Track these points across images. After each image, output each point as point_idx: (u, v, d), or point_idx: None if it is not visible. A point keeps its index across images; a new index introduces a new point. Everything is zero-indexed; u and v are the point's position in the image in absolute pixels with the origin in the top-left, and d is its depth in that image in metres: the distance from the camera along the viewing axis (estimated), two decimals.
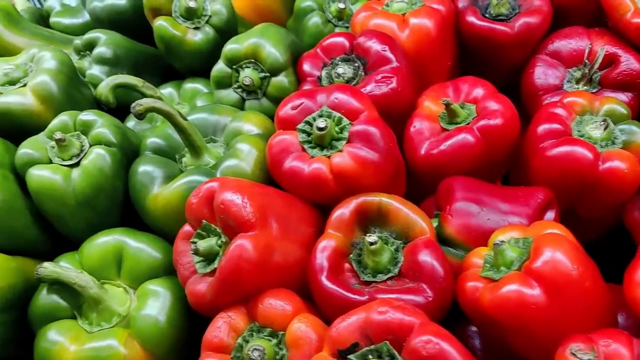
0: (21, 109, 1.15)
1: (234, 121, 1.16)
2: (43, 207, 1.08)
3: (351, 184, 0.99)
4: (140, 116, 1.07)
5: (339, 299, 0.91)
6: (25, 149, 1.09)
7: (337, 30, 1.45)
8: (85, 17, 1.66)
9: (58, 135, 1.08)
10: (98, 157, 1.08)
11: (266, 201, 0.95)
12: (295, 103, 1.05)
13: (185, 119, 1.10)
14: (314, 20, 1.43)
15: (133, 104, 1.06)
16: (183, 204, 1.04)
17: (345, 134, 1.02)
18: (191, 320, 1.03)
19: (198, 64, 1.39)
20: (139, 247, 1.05)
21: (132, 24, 1.48)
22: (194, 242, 0.98)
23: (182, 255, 1.01)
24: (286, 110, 1.06)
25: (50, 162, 1.09)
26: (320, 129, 1.00)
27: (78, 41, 1.45)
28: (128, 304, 1.02)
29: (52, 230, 1.13)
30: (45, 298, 1.02)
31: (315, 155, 1.01)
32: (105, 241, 1.05)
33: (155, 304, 1.00)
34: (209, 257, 0.96)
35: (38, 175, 1.06)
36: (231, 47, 1.24)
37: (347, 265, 0.97)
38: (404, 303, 0.82)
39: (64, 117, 1.13)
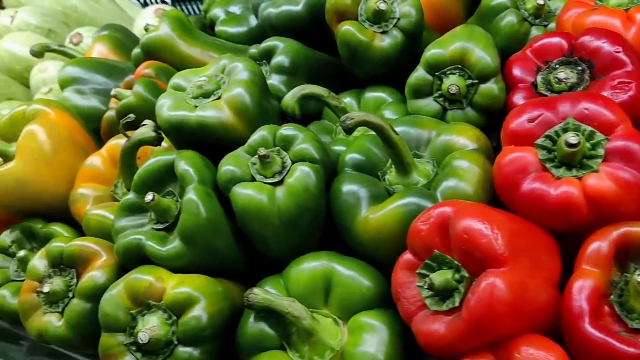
0: (218, 123, 1.10)
1: (443, 134, 1.04)
2: (247, 227, 1.02)
3: (609, 211, 0.84)
4: (350, 131, 0.98)
5: (608, 350, 0.77)
6: (228, 166, 1.03)
7: (534, 30, 1.30)
8: (251, 24, 1.61)
9: (262, 152, 1.01)
10: (303, 175, 1.00)
11: (513, 230, 0.83)
12: (533, 115, 0.91)
13: (397, 134, 0.99)
14: (509, 19, 1.28)
15: (343, 118, 0.97)
16: (399, 229, 0.94)
17: (600, 152, 0.86)
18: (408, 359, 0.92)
19: (383, 71, 1.29)
20: (350, 275, 0.96)
21: (307, 31, 1.40)
22: (424, 275, 0.87)
23: (405, 288, 0.90)
24: (520, 123, 0.92)
25: (253, 179, 1.03)
26: (571, 146, 0.85)
27: (254, 50, 1.40)
28: (340, 338, 0.93)
29: (251, 251, 1.06)
30: (253, 326, 0.95)
31: (561, 176, 0.87)
32: (313, 267, 0.97)
33: (373, 340, 0.90)
34: (444, 293, 0.85)
35: (244, 194, 1.00)
36: (434, 52, 1.13)
37: (607, 308, 0.82)
38: None
39: (263, 133, 1.07)
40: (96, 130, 1.44)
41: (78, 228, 1.28)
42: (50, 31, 2.28)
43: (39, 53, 1.74)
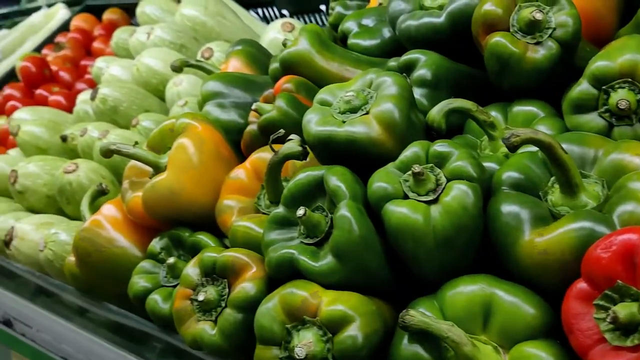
0: (366, 138, 1.09)
1: (613, 153, 0.96)
2: (399, 246, 0.99)
3: None
4: (514, 148, 0.93)
5: None
6: (380, 183, 1.02)
7: None
8: (384, 37, 1.60)
9: (417, 168, 0.98)
10: (461, 194, 0.96)
11: None
12: None
13: (565, 152, 0.93)
14: None
15: (507, 135, 0.93)
16: (570, 255, 0.88)
17: None
18: None
19: (534, 84, 1.22)
20: (512, 300, 0.91)
21: (448, 43, 1.37)
22: (603, 307, 0.81)
23: (579, 319, 0.83)
24: None
25: (405, 196, 1.00)
26: None
27: (393, 63, 1.38)
28: None
29: (401, 270, 1.04)
30: (407, 348, 0.92)
31: None
32: (471, 290, 0.93)
33: None
34: (627, 327, 0.77)
35: (397, 212, 0.97)
36: (601, 64, 1.05)
37: None
38: None
39: (415, 149, 1.04)
40: (234, 142, 1.49)
41: (219, 236, 1.32)
42: (182, 46, 2.41)
43: (179, 68, 1.84)
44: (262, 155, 1.31)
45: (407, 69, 1.35)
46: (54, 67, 2.89)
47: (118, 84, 2.18)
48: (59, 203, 1.80)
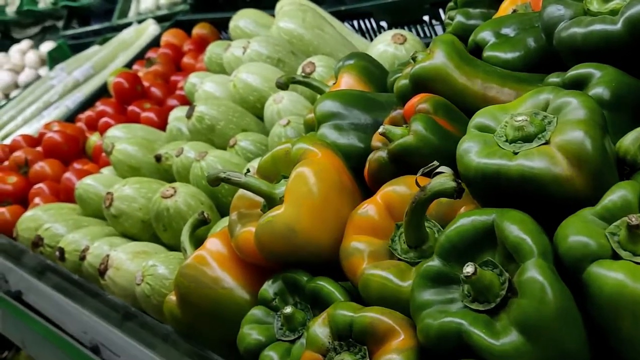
0: (548, 175, 0.86)
1: None
2: (610, 323, 0.75)
3: None
4: None
5: None
6: (579, 236, 0.78)
7: None
8: (528, 48, 1.36)
9: (634, 220, 0.74)
10: None
11: None
12: None
13: None
14: None
15: None
16: None
17: None
18: None
19: None
20: None
21: (626, 55, 1.11)
22: None
23: None
24: None
25: (615, 256, 0.76)
26: None
27: (556, 79, 1.14)
28: None
29: (603, 353, 0.80)
30: None
31: None
32: None
33: None
34: None
35: (612, 278, 0.73)
36: None
37: None
38: None
39: (623, 192, 0.80)
40: (353, 169, 1.29)
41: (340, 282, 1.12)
42: (280, 60, 2.26)
43: (284, 84, 1.67)
44: (397, 189, 1.10)
45: (576, 86, 1.10)
46: (145, 83, 2.83)
47: (214, 101, 2.05)
48: (155, 229, 1.67)
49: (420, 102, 1.21)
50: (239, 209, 1.26)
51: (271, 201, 1.20)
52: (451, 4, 1.87)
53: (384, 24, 2.75)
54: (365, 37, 2.77)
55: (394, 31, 2.00)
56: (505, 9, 1.65)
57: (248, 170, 1.22)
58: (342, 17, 2.77)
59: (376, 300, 1.01)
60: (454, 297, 0.86)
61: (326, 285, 1.10)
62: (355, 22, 2.85)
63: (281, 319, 1.12)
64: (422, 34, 2.61)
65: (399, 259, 1.05)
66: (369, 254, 1.07)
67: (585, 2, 1.20)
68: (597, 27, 1.14)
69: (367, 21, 2.80)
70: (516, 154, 0.90)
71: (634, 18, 1.09)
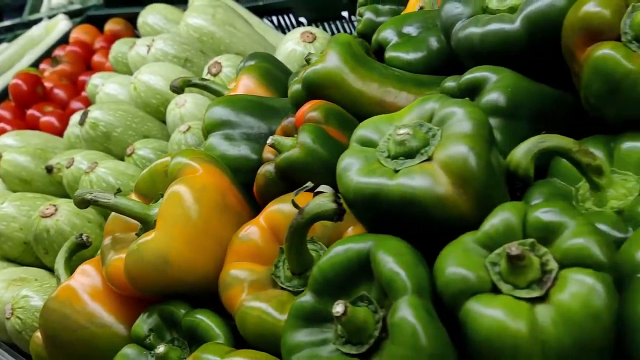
0: (430, 195, 0.76)
1: None
2: None
3: None
4: None
5: None
6: (457, 268, 0.69)
7: None
8: (430, 48, 1.27)
9: (515, 250, 0.65)
10: (585, 291, 0.63)
11: None
12: None
13: None
14: None
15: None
16: None
17: None
18: None
19: None
20: None
21: (525, 57, 1.04)
22: None
23: None
24: None
25: (494, 288, 0.68)
26: None
27: (452, 83, 1.05)
28: None
29: None
30: None
31: None
32: None
33: None
34: None
35: (489, 317, 0.64)
36: None
37: None
38: None
39: (506, 215, 0.71)
40: (247, 184, 1.17)
41: (228, 316, 1.00)
42: (187, 60, 2.11)
43: (180, 88, 1.53)
44: (282, 208, 0.99)
45: (472, 91, 1.02)
46: (48, 84, 2.60)
47: (111, 105, 1.87)
48: (36, 252, 1.50)
49: (310, 110, 1.10)
50: (113, 232, 1.12)
51: (146, 225, 1.06)
52: (362, 0, 1.78)
53: (304, 20, 2.64)
54: (286, 34, 2.65)
55: (303, 29, 1.89)
56: (413, 6, 1.57)
57: (119, 190, 1.08)
58: (260, 13, 2.64)
59: (254, 337, 0.90)
60: (328, 337, 0.75)
61: (204, 320, 0.98)
62: (275, 19, 2.73)
63: None
64: (341, 31, 2.51)
65: (283, 288, 0.94)
66: (250, 283, 0.96)
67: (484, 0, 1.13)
68: (494, 26, 1.06)
69: (286, 17, 2.68)
70: (397, 171, 0.80)
71: (533, 16, 1.02)
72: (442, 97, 0.85)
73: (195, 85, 1.54)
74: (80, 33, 3.11)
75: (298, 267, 0.92)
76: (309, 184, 0.85)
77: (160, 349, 0.97)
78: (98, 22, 3.17)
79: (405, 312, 0.67)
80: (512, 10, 1.08)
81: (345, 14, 2.47)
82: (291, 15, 2.65)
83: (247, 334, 0.90)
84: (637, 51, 0.87)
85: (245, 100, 1.30)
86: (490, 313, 0.65)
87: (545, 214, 0.69)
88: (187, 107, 1.78)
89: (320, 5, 2.47)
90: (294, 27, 2.66)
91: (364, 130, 0.88)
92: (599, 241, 0.66)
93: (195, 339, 0.98)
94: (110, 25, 3.04)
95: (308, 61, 1.22)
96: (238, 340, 0.96)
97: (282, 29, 2.70)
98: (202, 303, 1.03)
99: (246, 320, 0.90)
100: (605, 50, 0.87)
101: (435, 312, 0.70)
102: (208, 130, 1.25)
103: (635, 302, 0.65)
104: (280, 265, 0.96)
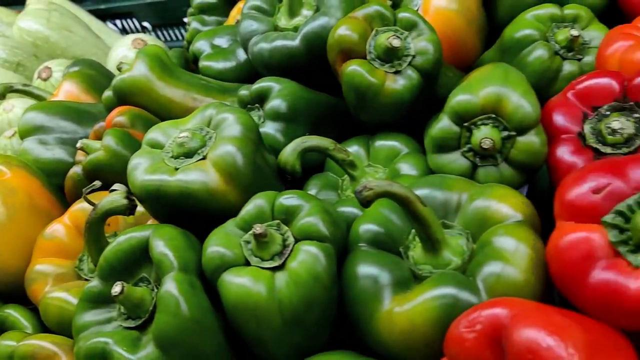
0: (203, 189, 0.90)
1: (478, 199, 0.85)
2: (240, 326, 0.82)
3: None
4: (367, 204, 0.79)
5: None
6: (215, 247, 0.83)
7: (566, 65, 1.12)
8: (239, 59, 1.42)
9: (258, 229, 0.81)
10: (310, 259, 0.81)
11: (588, 343, 0.64)
12: (599, 183, 0.73)
13: (425, 205, 0.80)
14: (538, 53, 1.11)
15: (359, 188, 0.78)
16: (432, 328, 0.76)
17: None
18: None
19: (395, 117, 1.10)
20: None
21: (305, 69, 1.22)
22: None
23: None
24: (581, 194, 0.74)
25: (247, 262, 0.83)
26: None
27: (245, 92, 1.21)
28: None
29: (246, 353, 0.86)
30: None
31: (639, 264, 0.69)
32: None
33: None
34: None
35: (236, 284, 0.80)
36: (462, 98, 0.94)
37: None
38: None
39: (259, 202, 0.87)
40: (61, 187, 1.24)
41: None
42: (19, 64, 2.08)
43: (1, 94, 1.54)
44: (85, 206, 1.08)
45: (261, 98, 1.18)
46: None
47: None
48: None
49: (117, 115, 1.20)
50: None
51: None
52: (191, 9, 1.89)
53: (148, 24, 2.69)
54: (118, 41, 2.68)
55: (134, 35, 1.96)
56: (233, 18, 1.71)
57: None
58: (102, 16, 2.64)
59: (56, 324, 0.99)
60: (112, 317, 0.87)
61: (12, 313, 1.05)
62: (119, 23, 2.74)
63: None
64: (184, 36, 2.60)
65: (87, 279, 1.04)
66: (55, 277, 1.04)
67: (275, 18, 1.29)
68: (279, 42, 1.23)
69: (130, 22, 2.71)
70: (177, 169, 0.93)
71: (309, 35, 1.20)
72: (218, 105, 1.00)
73: (17, 91, 1.56)
74: None
75: (98, 260, 1.02)
76: (97, 183, 0.95)
77: None
78: None
79: (170, 285, 0.80)
80: (297, 29, 1.26)
81: (187, 19, 2.56)
82: (134, 20, 2.68)
83: (49, 322, 0.99)
84: (379, 67, 1.07)
85: (60, 105, 1.36)
86: (237, 281, 0.80)
87: (287, 200, 0.86)
88: (15, 112, 1.77)
89: (161, 11, 2.54)
90: (138, 32, 2.69)
91: (153, 133, 1.00)
92: (324, 219, 0.84)
93: (4, 331, 1.04)
94: None
95: (120, 69, 1.31)
96: (47, 330, 1.04)
97: (127, 33, 2.72)
98: (17, 299, 1.09)
99: (48, 310, 0.98)
100: (353, 67, 1.06)
101: (202, 286, 0.84)
102: (22, 135, 1.30)
103: (350, 265, 0.83)
104: (85, 258, 1.05)
